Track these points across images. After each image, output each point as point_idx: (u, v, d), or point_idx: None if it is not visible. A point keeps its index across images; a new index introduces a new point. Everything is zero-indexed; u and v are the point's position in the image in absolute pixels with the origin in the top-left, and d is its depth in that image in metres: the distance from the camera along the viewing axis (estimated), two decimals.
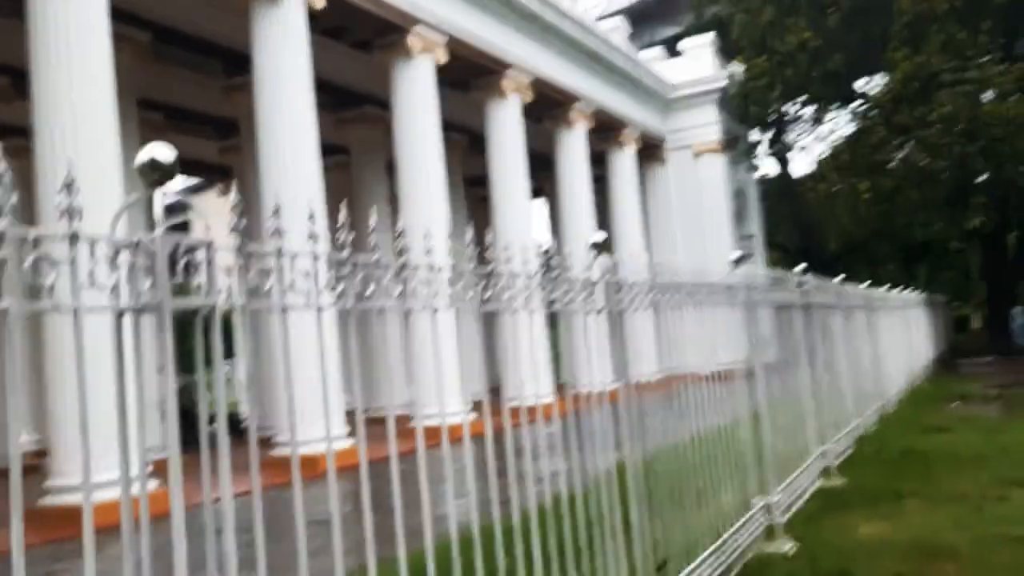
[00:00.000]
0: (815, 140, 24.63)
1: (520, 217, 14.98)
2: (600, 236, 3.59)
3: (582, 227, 17.09)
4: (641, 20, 28.75)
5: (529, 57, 15.74)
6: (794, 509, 5.71)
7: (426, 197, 12.28)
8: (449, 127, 17.77)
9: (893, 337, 12.54)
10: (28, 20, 7.64)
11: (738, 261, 5.22)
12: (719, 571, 4.25)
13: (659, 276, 4.09)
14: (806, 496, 6.09)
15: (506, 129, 15.13)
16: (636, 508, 3.59)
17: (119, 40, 8.68)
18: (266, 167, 10.01)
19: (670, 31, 31.52)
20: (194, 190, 24.61)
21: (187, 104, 15.32)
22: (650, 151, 22.51)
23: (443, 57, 13.07)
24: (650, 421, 3.97)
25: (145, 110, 12.82)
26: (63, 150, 7.25)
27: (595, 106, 18.48)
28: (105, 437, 1.91)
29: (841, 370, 8.36)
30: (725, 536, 4.43)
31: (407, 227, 2.44)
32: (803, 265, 7.35)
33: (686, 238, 21.93)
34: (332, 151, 17.31)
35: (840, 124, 23.78)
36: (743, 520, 4.76)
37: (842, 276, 9.85)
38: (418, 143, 12.54)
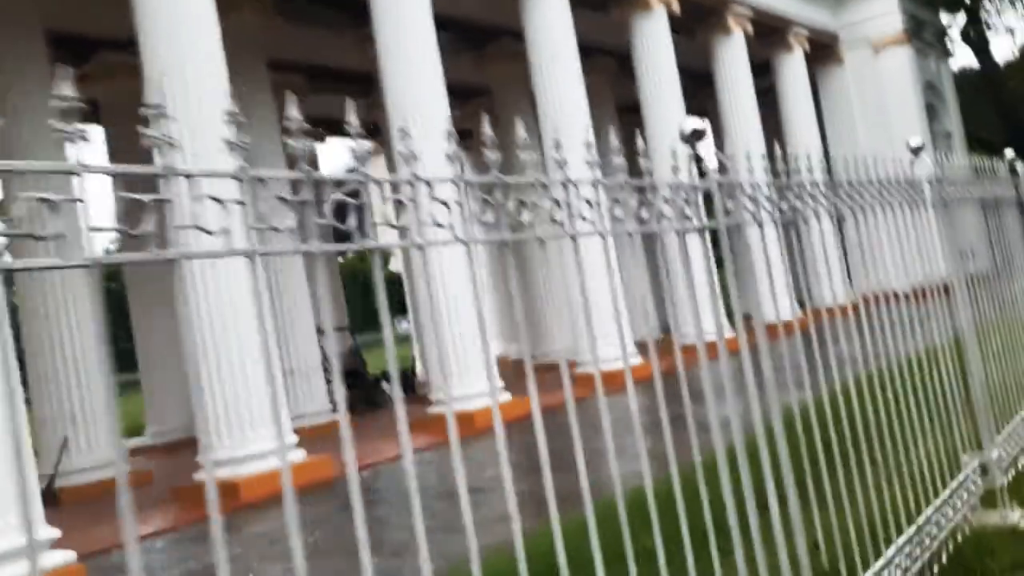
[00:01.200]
0: (1019, 19, 21.60)
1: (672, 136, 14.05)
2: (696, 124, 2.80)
3: (750, 145, 15.85)
4: None
5: None
6: (1021, 465, 4.48)
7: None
8: (592, 50, 16.97)
9: None
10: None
11: (917, 150, 4.21)
12: (923, 559, 3.21)
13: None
14: None
15: (655, 44, 14.13)
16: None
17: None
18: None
19: None
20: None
21: (323, 62, 15.40)
22: (823, 51, 20.49)
23: None
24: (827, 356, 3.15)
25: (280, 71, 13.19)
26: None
27: (753, 8, 16.94)
28: None
29: None
30: (928, 511, 3.35)
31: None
32: (1011, 153, 6.13)
33: (872, 144, 19.89)
34: (473, 92, 17.05)
35: None
36: (951, 488, 3.65)
37: None
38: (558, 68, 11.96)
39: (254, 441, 7.49)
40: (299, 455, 7.87)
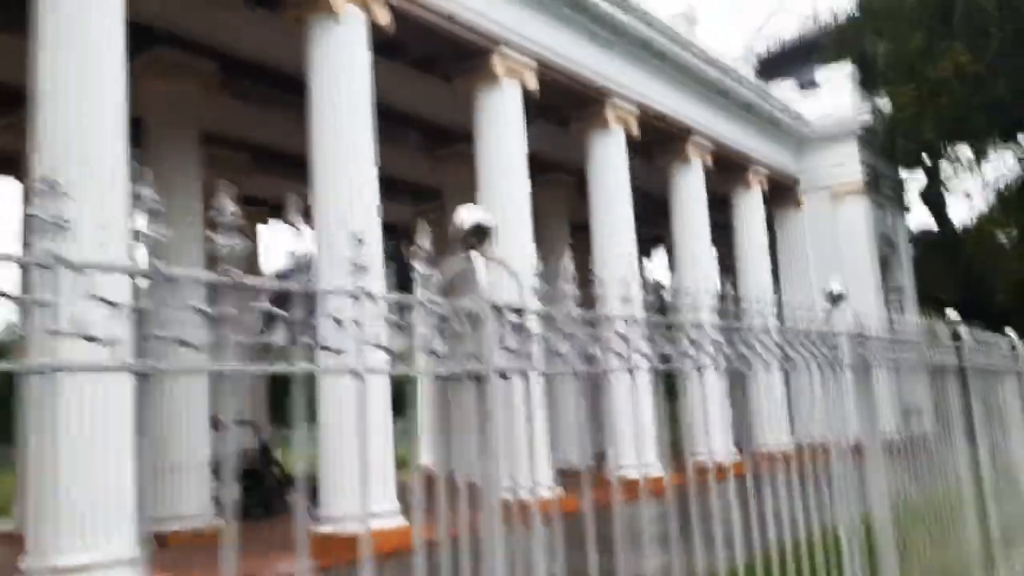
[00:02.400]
0: (978, 185, 22.20)
1: (624, 260, 13.71)
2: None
3: (700, 276, 15.61)
4: (770, 70, 26.97)
5: (636, 85, 14.60)
6: None
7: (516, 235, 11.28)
8: (550, 165, 16.88)
9: None
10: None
11: (837, 298, 3.77)
12: None
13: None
14: None
15: (609, 164, 13.97)
16: None
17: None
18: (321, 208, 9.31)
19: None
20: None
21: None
22: (783, 192, 20.71)
23: (532, 83, 12.13)
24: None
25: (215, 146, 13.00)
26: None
27: (715, 141, 17.07)
28: None
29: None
30: None
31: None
32: (954, 314, 5.71)
33: (824, 286, 19.84)
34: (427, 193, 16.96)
35: (1007, 164, 21.32)
36: None
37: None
38: (505, 176, 11.59)
39: (92, 548, 6.50)
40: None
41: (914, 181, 22.48)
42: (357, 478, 7.60)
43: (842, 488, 3.53)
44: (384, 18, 9.61)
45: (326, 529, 8.65)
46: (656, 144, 16.10)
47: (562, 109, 14.21)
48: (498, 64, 11.51)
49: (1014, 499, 5.74)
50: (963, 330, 5.66)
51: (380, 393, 8.45)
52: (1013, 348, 6.67)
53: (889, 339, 4.46)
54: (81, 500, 6.53)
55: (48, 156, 6.85)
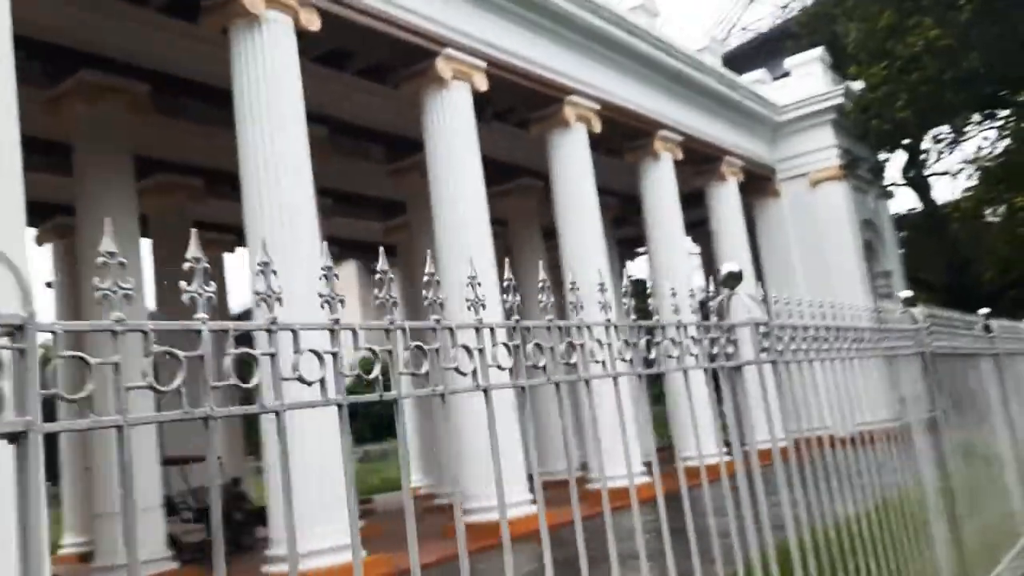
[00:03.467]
0: (960, 162, 21.91)
1: (593, 263, 13.32)
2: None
3: (678, 272, 15.22)
4: (739, 62, 26.63)
5: (596, 80, 14.23)
6: None
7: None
8: (519, 170, 16.58)
9: None
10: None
11: (732, 279, 3.60)
12: None
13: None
14: None
15: (572, 164, 13.56)
16: None
17: None
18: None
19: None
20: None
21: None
22: (759, 183, 20.38)
23: (482, 84, 11.75)
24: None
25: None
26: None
27: (684, 135, 16.72)
28: None
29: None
30: None
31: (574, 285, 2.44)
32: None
33: (808, 279, 19.49)
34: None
35: (990, 139, 21.03)
36: None
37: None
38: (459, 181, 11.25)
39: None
40: None
41: (895, 162, 22.18)
42: (313, 513, 7.11)
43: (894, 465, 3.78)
44: (313, 23, 9.21)
45: (278, 569, 8.24)
46: (624, 140, 15.75)
47: (520, 110, 13.85)
48: (444, 67, 11.13)
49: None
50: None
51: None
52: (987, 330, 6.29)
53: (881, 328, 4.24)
54: None
55: None
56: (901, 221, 26.23)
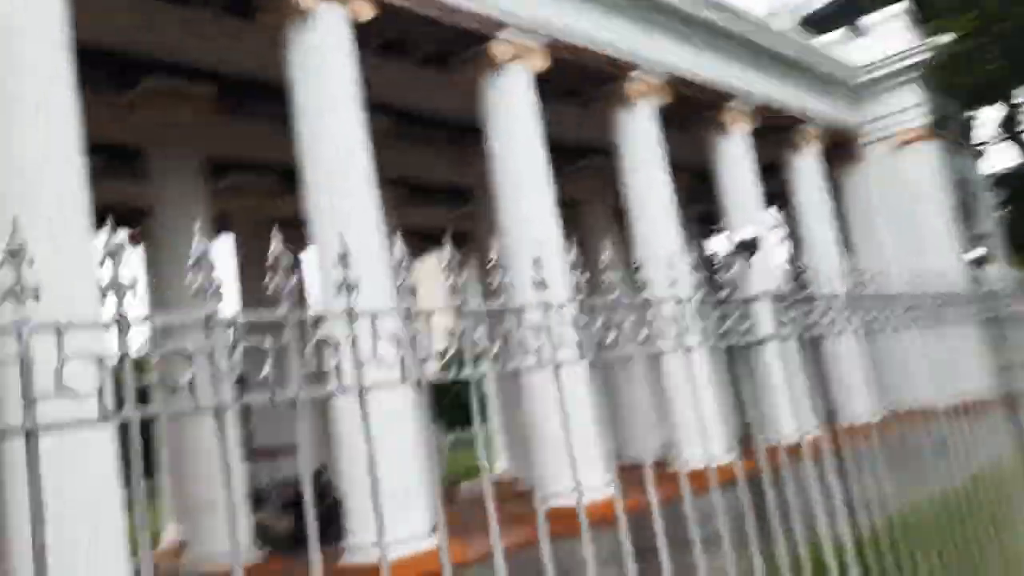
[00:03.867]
0: None
1: (666, 241, 13.21)
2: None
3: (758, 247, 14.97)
4: (815, 25, 25.82)
5: (660, 54, 14.04)
6: None
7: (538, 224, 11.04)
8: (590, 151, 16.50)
9: None
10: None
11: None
12: None
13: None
14: None
15: (639, 140, 13.48)
16: None
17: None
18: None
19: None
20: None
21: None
22: (841, 149, 19.81)
23: (541, 64, 11.74)
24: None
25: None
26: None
27: (757, 104, 16.38)
28: None
29: None
30: None
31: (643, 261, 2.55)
32: None
33: (897, 245, 18.92)
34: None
35: None
36: None
37: None
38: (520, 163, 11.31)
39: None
40: None
41: (988, 119, 21.27)
42: (390, 501, 7.32)
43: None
44: (365, 13, 9.38)
45: (357, 560, 8.51)
46: (692, 114, 15.53)
47: (583, 89, 13.79)
48: (499, 49, 11.17)
49: None
50: None
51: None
52: None
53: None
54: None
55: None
56: (1001, 181, 25.16)
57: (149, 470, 17.82)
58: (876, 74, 20.01)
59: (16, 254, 1.31)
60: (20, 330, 1.28)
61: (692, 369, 2.62)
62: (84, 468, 6.13)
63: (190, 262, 1.48)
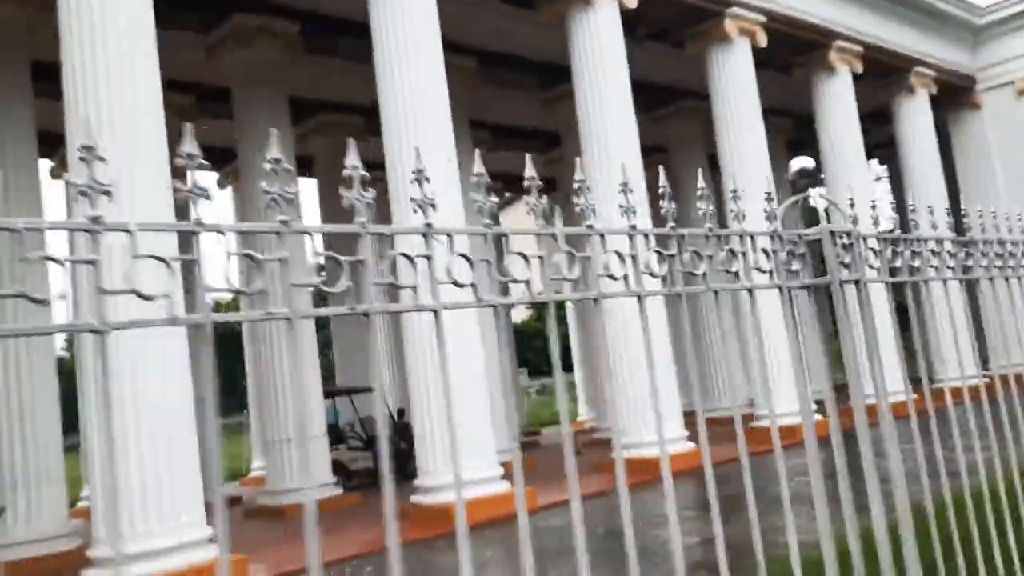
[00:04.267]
0: None
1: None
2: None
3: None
4: None
5: None
6: None
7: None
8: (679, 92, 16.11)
9: None
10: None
11: None
12: None
13: None
14: None
15: (735, 81, 13.01)
16: None
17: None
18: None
19: None
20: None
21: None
22: (955, 94, 18.76)
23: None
24: None
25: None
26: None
27: (864, 44, 15.61)
28: None
29: None
30: None
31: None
32: None
33: (1014, 197, 17.93)
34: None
35: None
36: None
37: None
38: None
39: (168, 533, 6.55)
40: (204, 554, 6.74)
41: None
42: (462, 442, 7.45)
43: None
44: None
45: (429, 500, 8.66)
46: (793, 55, 14.93)
47: (677, 27, 13.36)
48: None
49: None
50: None
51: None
52: None
53: None
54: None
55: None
56: None
57: (242, 403, 18.52)
58: (999, 15, 18.80)
59: (90, 150, 1.29)
60: (93, 228, 1.27)
61: (786, 305, 2.48)
62: (162, 374, 6.39)
63: (266, 167, 1.45)
